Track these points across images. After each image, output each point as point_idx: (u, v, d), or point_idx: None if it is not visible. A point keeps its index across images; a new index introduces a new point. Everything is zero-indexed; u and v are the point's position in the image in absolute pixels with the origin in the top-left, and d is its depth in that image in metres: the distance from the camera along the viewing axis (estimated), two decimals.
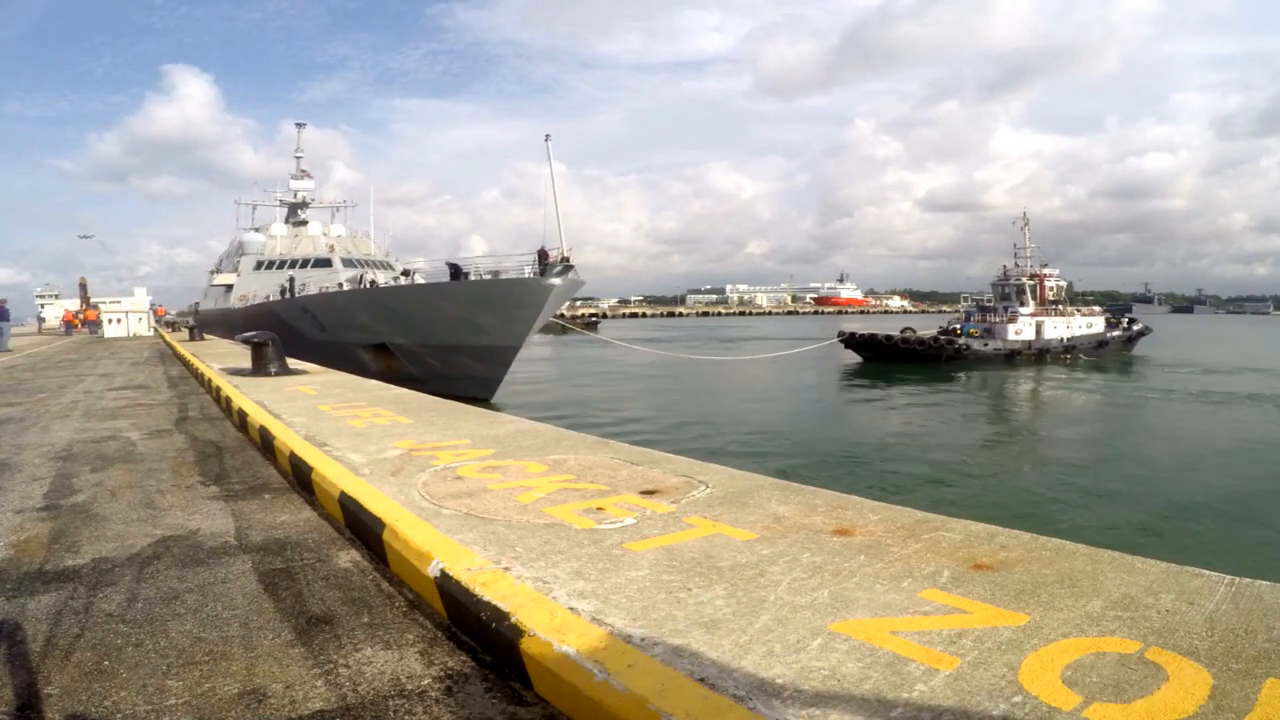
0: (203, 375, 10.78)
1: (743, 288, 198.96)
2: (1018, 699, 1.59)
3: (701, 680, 1.70)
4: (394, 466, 4.14)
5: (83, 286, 63.13)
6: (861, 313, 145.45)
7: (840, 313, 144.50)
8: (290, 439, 5.03)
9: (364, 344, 21.76)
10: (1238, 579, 2.23)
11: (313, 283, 27.15)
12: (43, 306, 63.41)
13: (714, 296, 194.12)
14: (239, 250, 34.86)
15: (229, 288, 32.82)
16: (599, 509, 3.19)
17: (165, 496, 4.11)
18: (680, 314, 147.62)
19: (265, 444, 5.38)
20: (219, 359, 13.81)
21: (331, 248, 33.53)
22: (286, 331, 24.72)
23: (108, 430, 6.54)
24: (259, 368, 10.49)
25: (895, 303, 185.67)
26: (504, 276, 18.63)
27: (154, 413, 7.75)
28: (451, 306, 19.12)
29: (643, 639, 1.92)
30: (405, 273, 21.68)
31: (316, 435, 5.22)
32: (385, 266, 32.55)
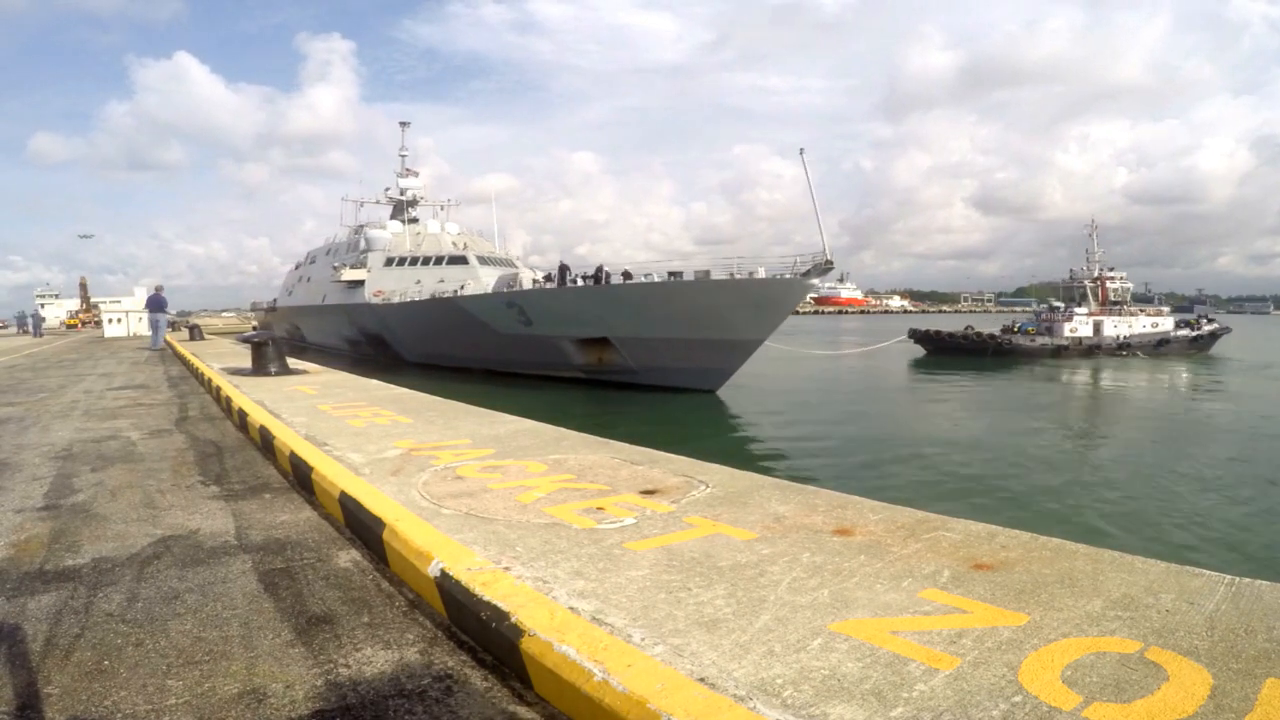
0: (203, 375, 10.78)
1: None
2: (1018, 699, 1.59)
3: (701, 680, 1.70)
4: (394, 466, 4.14)
5: (83, 286, 63.13)
6: (862, 312, 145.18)
7: (841, 312, 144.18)
8: (290, 438, 5.03)
9: (574, 337, 22.19)
10: (1238, 579, 2.23)
11: (451, 279, 28.35)
12: (42, 306, 63.33)
13: None
14: (363, 246, 34.76)
15: (354, 284, 32.76)
16: (599, 509, 3.19)
17: (165, 496, 4.11)
18: None
19: (265, 444, 5.38)
20: (219, 359, 13.82)
21: (466, 245, 34.07)
22: (471, 323, 24.58)
23: (108, 430, 6.54)
24: (259, 367, 10.50)
25: (895, 302, 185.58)
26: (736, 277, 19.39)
27: (154, 412, 7.75)
28: (701, 302, 19.45)
29: (643, 639, 1.92)
30: (626, 274, 21.83)
31: (316, 435, 5.22)
32: (510, 264, 32.83)
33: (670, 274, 20.44)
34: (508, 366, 24.91)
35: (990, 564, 2.42)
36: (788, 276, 18.98)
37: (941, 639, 1.88)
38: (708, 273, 19.60)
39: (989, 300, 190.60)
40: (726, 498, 3.34)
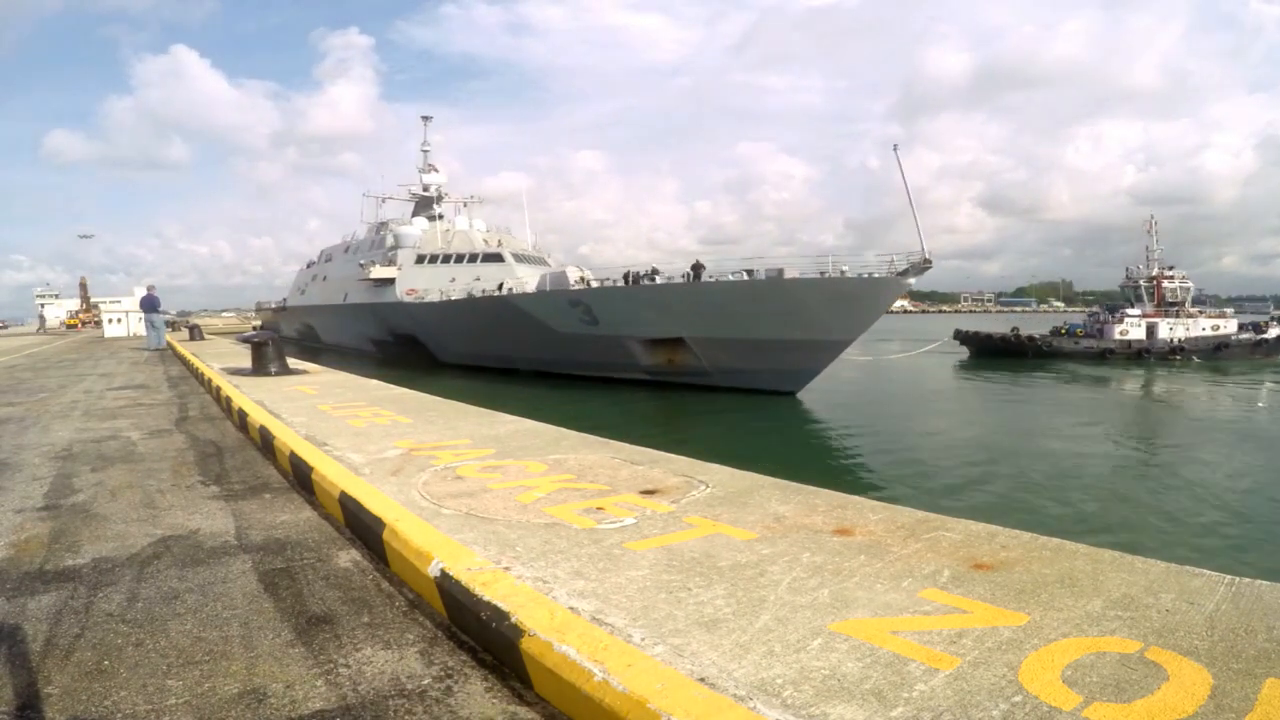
0: (203, 375, 10.78)
1: None
2: (1018, 699, 1.59)
3: (701, 680, 1.70)
4: (394, 466, 4.14)
5: (83, 286, 63.05)
6: None
7: None
8: (290, 438, 5.03)
9: (645, 337, 21.45)
10: (1238, 579, 2.23)
11: (487, 277, 27.60)
12: (43, 306, 63.18)
13: None
14: (391, 243, 33.89)
15: (383, 282, 31.77)
16: (599, 509, 3.19)
17: (165, 496, 4.11)
18: None
19: (265, 444, 5.37)
20: (219, 359, 13.82)
21: (500, 243, 33.38)
22: (526, 322, 23.69)
23: (108, 430, 6.54)
24: (259, 367, 10.50)
25: (896, 303, 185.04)
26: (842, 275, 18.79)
27: (154, 412, 7.75)
28: (793, 302, 18.80)
29: (643, 639, 1.92)
30: (697, 273, 20.89)
31: (316, 435, 5.22)
32: (544, 262, 32.10)
33: (746, 272, 19.71)
34: (562, 367, 24.01)
35: (990, 564, 2.42)
36: (876, 275, 18.45)
37: (941, 639, 1.88)
38: (780, 271, 19.00)
39: (989, 300, 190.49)
40: (726, 498, 3.34)
